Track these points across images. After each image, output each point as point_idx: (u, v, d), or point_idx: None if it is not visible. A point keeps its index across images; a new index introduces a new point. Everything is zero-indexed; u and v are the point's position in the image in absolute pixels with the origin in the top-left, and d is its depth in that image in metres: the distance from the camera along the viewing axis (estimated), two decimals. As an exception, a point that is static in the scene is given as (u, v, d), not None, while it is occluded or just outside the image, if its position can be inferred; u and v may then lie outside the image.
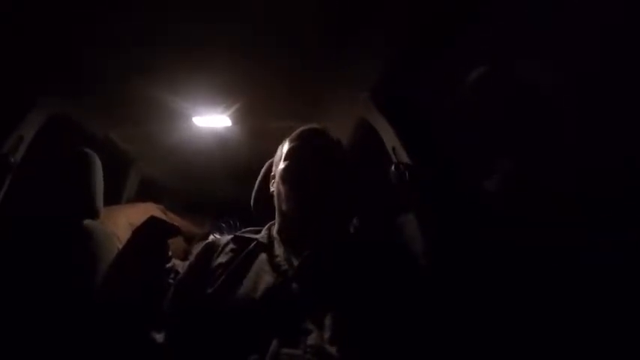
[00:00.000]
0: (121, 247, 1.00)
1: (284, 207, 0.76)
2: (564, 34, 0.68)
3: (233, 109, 1.42)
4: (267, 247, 0.73)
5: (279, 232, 0.78)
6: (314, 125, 0.83)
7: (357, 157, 1.55)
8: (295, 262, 0.68)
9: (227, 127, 1.61)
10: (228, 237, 0.81)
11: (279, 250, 0.72)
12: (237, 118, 1.51)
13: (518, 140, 0.81)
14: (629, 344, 0.56)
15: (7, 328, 0.82)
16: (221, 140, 1.73)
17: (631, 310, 0.57)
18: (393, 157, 1.19)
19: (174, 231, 0.86)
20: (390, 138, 1.20)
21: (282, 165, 0.78)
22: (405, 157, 1.14)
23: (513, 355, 0.66)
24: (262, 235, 0.78)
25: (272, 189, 0.82)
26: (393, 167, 1.14)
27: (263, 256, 0.71)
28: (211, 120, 1.54)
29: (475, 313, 0.69)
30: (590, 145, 0.67)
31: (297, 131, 0.82)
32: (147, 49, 1.04)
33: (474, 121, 0.93)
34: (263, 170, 0.96)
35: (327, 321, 0.57)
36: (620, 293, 0.59)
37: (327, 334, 0.56)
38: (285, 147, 0.82)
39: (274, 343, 0.56)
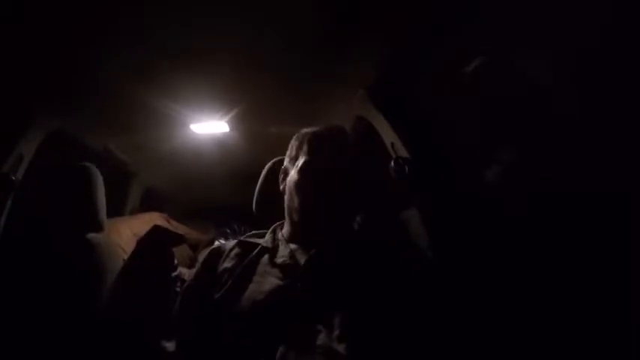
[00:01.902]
0: (126, 258, 1.01)
1: (299, 208, 0.75)
2: (561, 27, 0.68)
3: (231, 114, 1.42)
4: (272, 249, 0.73)
5: (287, 234, 0.77)
6: (330, 127, 0.81)
7: (357, 155, 1.55)
8: (301, 262, 0.68)
9: (225, 133, 1.61)
10: (233, 242, 0.81)
11: (284, 251, 0.72)
12: (235, 124, 1.52)
13: (518, 130, 0.81)
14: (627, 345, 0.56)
15: (15, 343, 0.82)
16: (220, 146, 1.74)
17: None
18: (392, 153, 1.19)
19: (178, 239, 0.87)
20: (388, 134, 1.20)
21: (302, 159, 0.76)
22: (404, 152, 1.14)
23: (520, 350, 0.66)
24: (267, 240, 0.78)
25: (282, 186, 0.81)
26: (392, 162, 1.14)
27: (268, 258, 0.72)
28: (209, 126, 1.55)
29: (481, 308, 0.68)
30: (590, 134, 0.67)
31: (318, 130, 0.80)
32: (143, 56, 1.04)
33: (473, 112, 0.93)
34: (264, 173, 0.96)
35: (335, 319, 0.57)
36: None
37: (335, 333, 0.56)
38: (304, 145, 0.79)
39: (283, 345, 0.56)
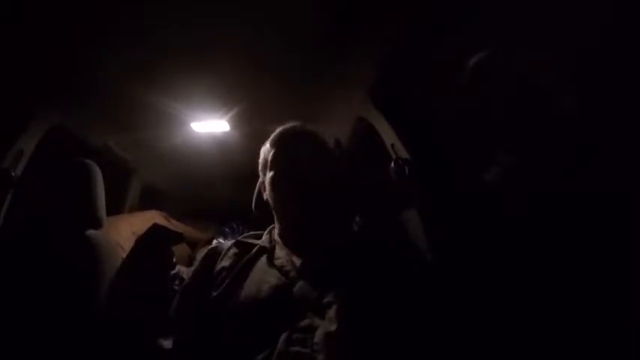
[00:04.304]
0: (124, 256, 1.01)
1: (279, 213, 0.77)
2: (564, 31, 0.68)
3: (231, 113, 1.42)
4: (269, 250, 0.74)
5: (279, 235, 0.78)
6: (294, 124, 0.82)
7: (358, 156, 1.55)
8: (297, 264, 0.68)
9: (226, 132, 1.61)
10: (231, 242, 0.81)
11: (280, 252, 0.72)
12: (235, 123, 1.52)
13: (519, 131, 0.80)
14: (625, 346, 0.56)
15: (14, 340, 0.82)
16: (220, 145, 1.73)
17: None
18: (392, 154, 1.19)
19: (177, 238, 0.87)
20: (389, 136, 1.20)
21: (269, 174, 0.77)
22: (404, 153, 1.14)
23: (513, 352, 0.66)
24: (264, 240, 0.78)
25: (265, 197, 0.82)
26: (392, 163, 1.14)
27: (266, 259, 0.72)
28: (210, 125, 1.55)
29: (478, 307, 0.68)
30: (590, 134, 0.67)
31: (277, 133, 0.81)
32: (143, 55, 1.04)
33: (473, 112, 0.93)
34: (263, 174, 0.97)
35: (332, 317, 0.57)
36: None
37: (332, 330, 0.56)
38: (267, 152, 0.81)
39: (281, 341, 0.56)
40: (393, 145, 1.19)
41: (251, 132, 1.61)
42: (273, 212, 0.80)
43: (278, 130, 0.81)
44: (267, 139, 0.86)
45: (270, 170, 0.77)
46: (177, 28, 0.94)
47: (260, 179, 0.87)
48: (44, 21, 0.88)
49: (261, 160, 0.84)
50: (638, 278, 0.55)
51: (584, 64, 0.65)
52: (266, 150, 0.82)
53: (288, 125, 0.81)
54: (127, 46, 1.00)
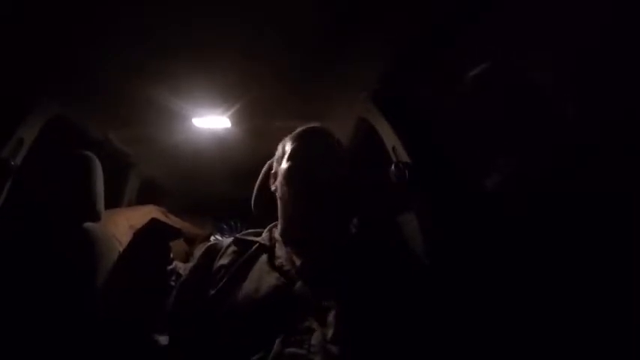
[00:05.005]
0: (121, 249, 1.00)
1: (288, 207, 0.76)
2: (564, 31, 0.68)
3: (232, 110, 1.42)
4: (269, 249, 0.73)
5: (281, 232, 0.78)
6: (316, 124, 0.84)
7: (358, 157, 1.55)
8: (297, 263, 0.68)
9: (227, 129, 1.61)
10: (230, 239, 0.81)
11: (280, 251, 0.72)
12: (236, 119, 1.51)
13: (519, 138, 0.81)
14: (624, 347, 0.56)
15: (9, 331, 0.82)
16: (221, 141, 1.73)
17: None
18: (393, 156, 1.18)
19: (176, 233, 0.86)
20: (390, 137, 1.20)
21: (285, 165, 0.78)
22: (405, 157, 1.14)
23: (513, 353, 0.66)
24: (264, 238, 0.78)
25: (273, 187, 0.82)
26: (393, 166, 1.14)
27: (265, 257, 0.71)
28: (211, 121, 1.54)
29: (475, 311, 0.68)
30: (590, 134, 0.67)
31: (300, 130, 0.83)
32: (146, 50, 1.04)
33: (474, 119, 0.93)
34: (263, 171, 0.97)
35: (330, 320, 0.57)
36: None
37: (329, 333, 0.56)
38: (287, 146, 0.82)
39: (278, 342, 0.56)
40: (393, 148, 1.19)
41: (252, 129, 1.61)
42: (279, 205, 0.79)
43: (300, 127, 0.83)
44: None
45: (288, 161, 0.78)
46: (177, 28, 0.95)
47: (268, 168, 0.87)
48: (44, 21, 0.88)
49: (278, 153, 0.85)
50: (638, 278, 0.55)
51: (584, 64, 0.65)
52: (285, 143, 0.83)
53: (309, 124, 0.84)
54: (128, 45, 1.01)
